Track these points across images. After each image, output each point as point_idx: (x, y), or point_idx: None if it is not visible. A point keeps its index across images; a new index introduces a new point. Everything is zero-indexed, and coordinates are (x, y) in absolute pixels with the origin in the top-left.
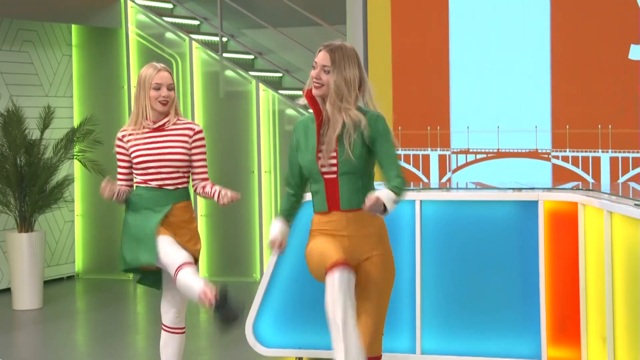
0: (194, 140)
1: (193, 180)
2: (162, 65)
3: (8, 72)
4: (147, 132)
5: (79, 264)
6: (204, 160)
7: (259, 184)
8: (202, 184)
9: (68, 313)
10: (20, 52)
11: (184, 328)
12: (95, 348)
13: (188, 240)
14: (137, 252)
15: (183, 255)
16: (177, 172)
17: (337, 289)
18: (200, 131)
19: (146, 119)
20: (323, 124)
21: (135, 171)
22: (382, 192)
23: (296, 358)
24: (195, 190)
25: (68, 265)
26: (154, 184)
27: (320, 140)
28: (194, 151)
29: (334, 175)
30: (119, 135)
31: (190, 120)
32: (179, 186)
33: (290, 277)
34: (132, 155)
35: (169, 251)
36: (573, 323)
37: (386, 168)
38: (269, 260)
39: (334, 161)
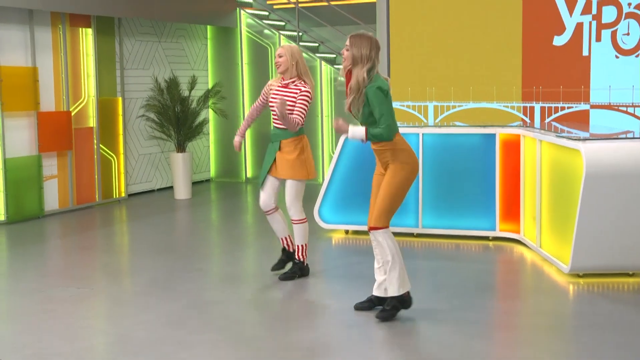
0: (300, 96)
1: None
2: (280, 47)
3: (170, 55)
4: (278, 87)
5: (212, 172)
6: (301, 105)
7: (321, 124)
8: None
9: (206, 201)
10: (176, 43)
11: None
12: (223, 221)
13: (288, 170)
14: (261, 170)
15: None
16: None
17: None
18: (305, 90)
19: (282, 79)
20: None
21: None
22: (358, 127)
23: (344, 230)
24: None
25: (206, 173)
26: (275, 123)
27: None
28: (297, 101)
29: None
30: (269, 83)
31: (305, 83)
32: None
33: (341, 180)
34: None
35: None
36: (515, 208)
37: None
38: (328, 169)
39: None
